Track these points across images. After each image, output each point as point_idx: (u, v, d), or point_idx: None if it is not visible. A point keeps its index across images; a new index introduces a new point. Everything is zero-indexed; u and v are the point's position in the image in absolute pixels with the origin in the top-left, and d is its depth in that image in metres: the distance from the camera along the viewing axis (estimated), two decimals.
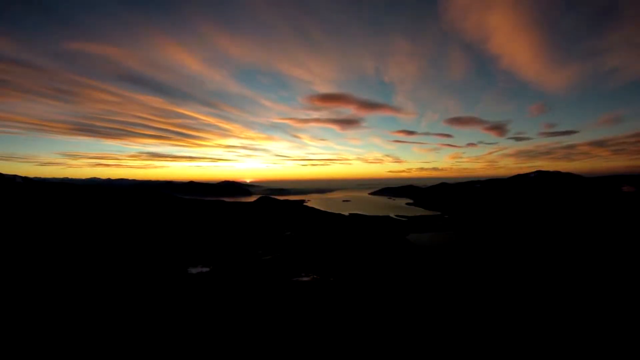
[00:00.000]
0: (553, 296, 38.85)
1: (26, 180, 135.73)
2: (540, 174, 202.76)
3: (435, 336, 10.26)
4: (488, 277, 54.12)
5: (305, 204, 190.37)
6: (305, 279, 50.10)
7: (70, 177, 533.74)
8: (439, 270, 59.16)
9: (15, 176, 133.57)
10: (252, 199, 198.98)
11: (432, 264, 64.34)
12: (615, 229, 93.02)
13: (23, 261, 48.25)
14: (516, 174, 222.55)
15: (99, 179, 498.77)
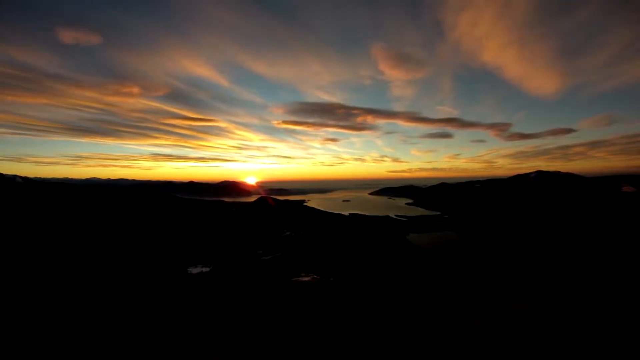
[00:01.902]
0: (553, 296, 38.89)
1: (26, 180, 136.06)
2: (540, 174, 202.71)
3: (435, 337, 10.28)
4: (488, 277, 54.16)
5: (305, 204, 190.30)
6: (305, 279, 50.01)
7: (70, 177, 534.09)
8: (439, 270, 59.21)
9: (15, 176, 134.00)
10: (252, 199, 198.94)
11: (432, 264, 64.39)
12: (616, 229, 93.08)
13: (22, 261, 48.26)
14: (514, 174, 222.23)
15: (98, 179, 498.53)
